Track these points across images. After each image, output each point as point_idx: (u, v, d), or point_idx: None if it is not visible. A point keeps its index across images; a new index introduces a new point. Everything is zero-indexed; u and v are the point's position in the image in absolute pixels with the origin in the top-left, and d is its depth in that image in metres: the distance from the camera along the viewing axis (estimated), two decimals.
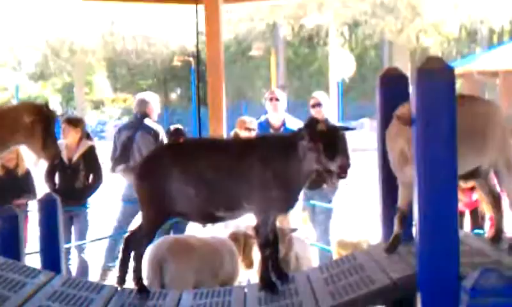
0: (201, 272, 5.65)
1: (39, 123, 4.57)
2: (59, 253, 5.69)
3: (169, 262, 5.53)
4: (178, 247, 5.68)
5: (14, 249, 5.19)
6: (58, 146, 4.86)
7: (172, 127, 9.44)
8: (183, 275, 5.53)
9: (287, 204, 4.74)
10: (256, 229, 4.66)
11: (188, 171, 4.59)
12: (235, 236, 6.26)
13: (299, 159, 4.50)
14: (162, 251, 5.58)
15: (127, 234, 4.82)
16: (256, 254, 6.51)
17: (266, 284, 4.66)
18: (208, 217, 4.82)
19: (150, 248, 5.19)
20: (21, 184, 8.67)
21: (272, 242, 4.70)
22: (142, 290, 4.74)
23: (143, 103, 9.29)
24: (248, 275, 6.87)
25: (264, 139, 4.96)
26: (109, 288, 4.91)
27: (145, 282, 5.36)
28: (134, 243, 4.73)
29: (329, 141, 4.39)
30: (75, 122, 8.71)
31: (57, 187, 8.59)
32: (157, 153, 4.92)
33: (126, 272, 4.82)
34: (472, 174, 4.82)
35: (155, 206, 4.65)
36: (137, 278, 4.75)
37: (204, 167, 4.58)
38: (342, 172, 4.36)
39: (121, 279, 4.81)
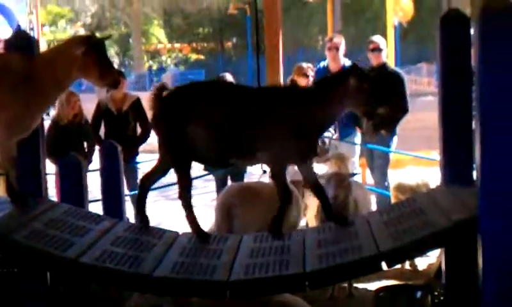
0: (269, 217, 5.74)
1: (90, 52, 4.47)
2: (122, 200, 5.81)
3: (238, 207, 5.63)
4: (246, 193, 5.79)
5: (78, 197, 5.28)
6: (116, 72, 4.73)
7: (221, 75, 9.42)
8: (251, 220, 5.62)
9: (306, 153, 4.73)
10: (273, 178, 4.70)
11: (204, 115, 4.56)
12: (295, 183, 6.32)
13: (329, 105, 4.56)
14: (231, 197, 5.65)
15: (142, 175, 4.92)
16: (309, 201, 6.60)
17: (275, 230, 4.76)
18: (222, 163, 4.91)
19: (220, 194, 5.31)
20: (81, 133, 8.86)
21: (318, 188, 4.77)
22: (202, 236, 4.80)
23: None
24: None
25: (288, 89, 4.90)
26: (171, 233, 4.98)
27: (214, 227, 5.46)
28: (179, 196, 4.74)
29: (381, 84, 4.47)
30: (122, 74, 8.81)
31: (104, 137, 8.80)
32: (173, 96, 4.76)
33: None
34: None
35: (174, 151, 4.65)
36: (194, 225, 4.81)
37: (221, 112, 4.56)
38: (391, 119, 4.51)
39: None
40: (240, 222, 5.78)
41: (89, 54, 4.47)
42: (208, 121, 4.56)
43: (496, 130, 3.88)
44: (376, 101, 4.52)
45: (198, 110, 4.57)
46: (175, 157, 4.68)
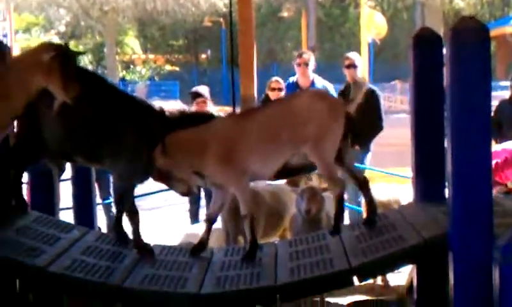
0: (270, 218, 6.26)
1: (58, 61, 4.29)
2: (93, 209, 5.77)
3: None
4: (252, 195, 6.09)
5: (48, 205, 5.25)
6: (79, 87, 4.43)
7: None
8: (258, 220, 5.82)
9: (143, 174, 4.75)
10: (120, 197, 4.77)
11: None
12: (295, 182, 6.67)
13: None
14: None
15: None
16: None
17: (141, 249, 4.72)
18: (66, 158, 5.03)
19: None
20: None
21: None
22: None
23: None
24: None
25: (152, 110, 4.82)
26: None
27: (222, 228, 6.12)
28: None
29: None
30: None
31: None
32: None
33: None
34: None
35: None
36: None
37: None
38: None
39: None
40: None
41: (56, 61, 4.30)
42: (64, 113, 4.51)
43: (468, 148, 3.93)
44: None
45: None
46: None
